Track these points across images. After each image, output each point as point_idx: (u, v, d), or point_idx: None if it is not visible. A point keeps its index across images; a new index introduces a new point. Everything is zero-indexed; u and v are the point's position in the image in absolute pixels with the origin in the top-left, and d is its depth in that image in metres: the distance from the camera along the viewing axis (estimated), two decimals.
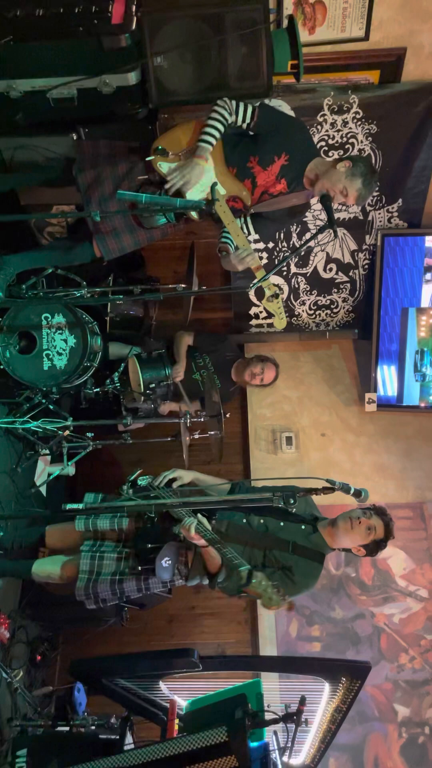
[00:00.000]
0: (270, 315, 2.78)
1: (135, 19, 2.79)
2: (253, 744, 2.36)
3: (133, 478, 2.73)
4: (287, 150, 2.79)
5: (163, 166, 2.78)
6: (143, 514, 2.69)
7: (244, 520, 2.63)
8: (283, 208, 2.95)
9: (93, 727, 3.13)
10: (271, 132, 2.80)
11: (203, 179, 2.78)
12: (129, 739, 2.83)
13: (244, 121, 2.77)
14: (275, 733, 2.64)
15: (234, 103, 2.74)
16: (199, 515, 2.40)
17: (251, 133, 2.86)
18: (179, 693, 2.95)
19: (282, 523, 2.61)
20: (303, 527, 2.63)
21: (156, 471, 2.93)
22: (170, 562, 2.52)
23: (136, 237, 3.06)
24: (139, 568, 2.60)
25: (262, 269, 2.66)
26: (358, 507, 2.63)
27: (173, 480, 2.83)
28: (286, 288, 4.39)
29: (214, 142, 2.74)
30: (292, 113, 3.57)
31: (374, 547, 2.60)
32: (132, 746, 2.81)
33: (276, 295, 2.62)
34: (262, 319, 4.54)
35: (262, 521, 2.62)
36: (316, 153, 2.91)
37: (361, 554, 2.64)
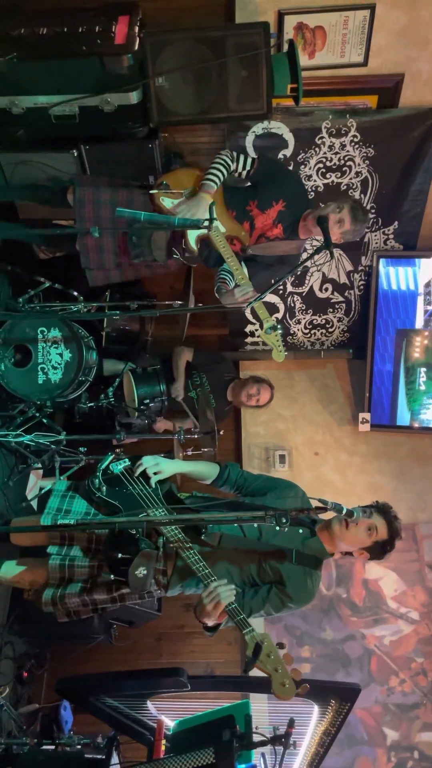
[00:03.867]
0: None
1: (137, 40, 2.84)
2: (241, 766, 2.34)
3: (104, 466, 2.37)
4: (284, 197, 2.93)
5: (166, 201, 2.89)
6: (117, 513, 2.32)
7: (235, 524, 2.35)
8: (277, 254, 3.03)
9: (79, 746, 3.09)
10: (269, 180, 2.94)
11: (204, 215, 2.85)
12: (115, 759, 2.80)
13: (244, 168, 2.93)
14: (263, 755, 2.62)
15: (235, 153, 2.93)
16: (230, 585, 2.07)
17: (248, 184, 3.01)
18: (167, 713, 2.92)
19: (277, 527, 2.23)
20: (300, 531, 2.37)
21: None
22: (145, 572, 2.21)
23: (124, 271, 3.17)
24: (112, 577, 2.31)
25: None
26: (359, 505, 2.32)
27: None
28: (282, 307, 4.42)
29: (218, 181, 2.86)
30: (290, 136, 3.63)
31: (379, 550, 2.32)
32: (118, 766, 2.78)
33: (274, 327, 2.63)
34: (258, 336, 4.56)
35: (255, 525, 2.35)
36: (310, 204, 3.05)
37: (365, 558, 2.36)
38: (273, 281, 2.94)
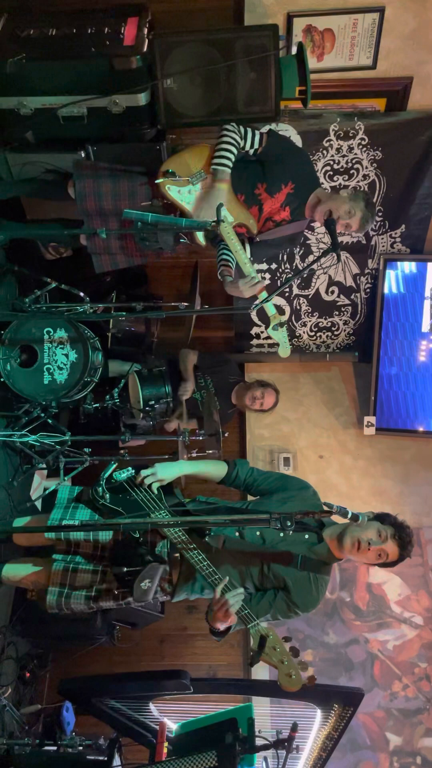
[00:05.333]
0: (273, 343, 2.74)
1: (146, 41, 2.84)
2: None
3: (107, 474, 2.36)
4: (293, 179, 2.85)
5: (173, 190, 2.81)
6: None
7: (237, 533, 2.32)
8: (281, 236, 2.99)
9: (81, 748, 3.10)
10: (278, 159, 2.85)
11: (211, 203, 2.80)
12: (117, 761, 2.80)
13: (252, 146, 2.81)
14: (266, 759, 2.61)
15: (242, 128, 2.78)
16: (239, 590, 2.06)
17: (254, 159, 2.89)
18: (169, 715, 2.92)
19: (282, 534, 2.26)
20: (306, 536, 2.30)
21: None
22: (150, 584, 2.24)
23: (130, 257, 3.12)
24: (115, 591, 2.33)
25: (264, 290, 2.68)
26: (371, 512, 2.29)
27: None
28: (287, 309, 4.42)
29: (230, 164, 2.76)
30: (299, 138, 3.62)
31: (387, 564, 2.25)
32: None
33: (282, 324, 2.62)
34: (263, 339, 4.56)
35: (258, 533, 2.31)
36: (319, 184, 2.97)
37: (371, 566, 2.34)
38: (279, 283, 2.93)
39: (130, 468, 2.41)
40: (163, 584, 2.35)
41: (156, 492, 2.36)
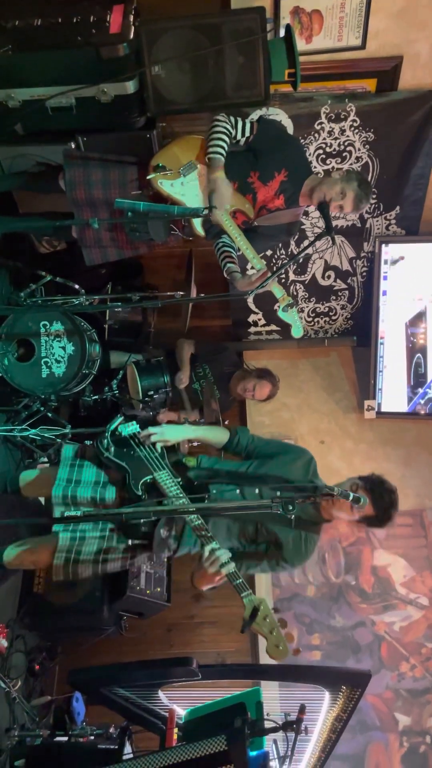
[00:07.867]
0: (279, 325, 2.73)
1: (133, 28, 2.81)
2: (253, 753, 2.34)
3: (113, 427, 2.45)
4: (287, 166, 2.83)
5: (165, 184, 2.78)
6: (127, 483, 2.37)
7: (238, 491, 2.42)
8: (276, 224, 2.97)
9: (92, 737, 3.12)
10: (270, 147, 2.84)
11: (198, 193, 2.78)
12: (128, 748, 2.82)
13: (243, 135, 2.81)
14: (275, 741, 2.62)
15: (232, 118, 2.78)
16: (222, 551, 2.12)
17: (245, 148, 2.88)
18: (178, 702, 2.93)
19: (278, 493, 2.25)
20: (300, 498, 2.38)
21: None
22: (167, 533, 2.33)
23: (121, 249, 3.10)
24: (128, 543, 2.38)
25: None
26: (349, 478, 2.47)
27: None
28: None
29: (224, 153, 2.75)
30: (290, 122, 3.60)
31: (374, 520, 2.36)
32: (131, 756, 2.79)
33: (291, 305, 2.64)
34: (261, 326, 4.55)
35: (256, 491, 2.41)
36: (311, 171, 2.96)
37: (362, 526, 2.41)
38: (275, 268, 2.90)
39: (135, 422, 2.51)
40: (168, 539, 2.41)
41: (159, 451, 2.46)
